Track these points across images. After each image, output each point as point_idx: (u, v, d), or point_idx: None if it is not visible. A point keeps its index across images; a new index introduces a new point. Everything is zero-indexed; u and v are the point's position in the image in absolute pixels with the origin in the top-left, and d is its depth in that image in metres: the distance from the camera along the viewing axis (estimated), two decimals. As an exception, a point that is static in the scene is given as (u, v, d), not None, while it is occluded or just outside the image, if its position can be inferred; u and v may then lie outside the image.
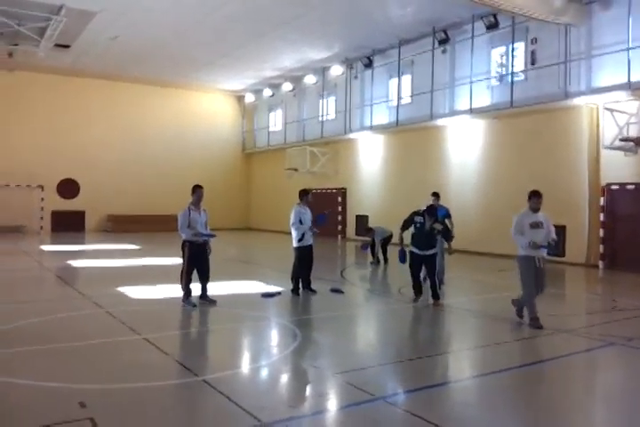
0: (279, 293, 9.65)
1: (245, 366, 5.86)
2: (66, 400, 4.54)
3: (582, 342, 6.81)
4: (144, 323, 7.47)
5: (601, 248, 14.25)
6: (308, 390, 5.06)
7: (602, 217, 14.29)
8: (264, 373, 5.57)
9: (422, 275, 9.28)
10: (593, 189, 14.51)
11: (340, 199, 23.09)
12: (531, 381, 5.43)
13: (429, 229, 8.75)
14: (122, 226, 25.61)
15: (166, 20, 18.09)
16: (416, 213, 8.94)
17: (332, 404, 4.71)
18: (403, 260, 9.31)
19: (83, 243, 21.30)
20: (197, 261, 8.62)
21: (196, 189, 8.68)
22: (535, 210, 7.33)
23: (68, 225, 25.08)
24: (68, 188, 25.41)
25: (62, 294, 9.86)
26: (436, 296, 8.82)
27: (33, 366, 5.47)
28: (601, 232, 14.27)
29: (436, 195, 11.24)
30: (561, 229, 15.37)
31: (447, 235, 9.37)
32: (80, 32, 19.28)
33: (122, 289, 9.98)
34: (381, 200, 21.28)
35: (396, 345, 6.81)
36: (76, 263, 14.04)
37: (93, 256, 15.72)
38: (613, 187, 14.03)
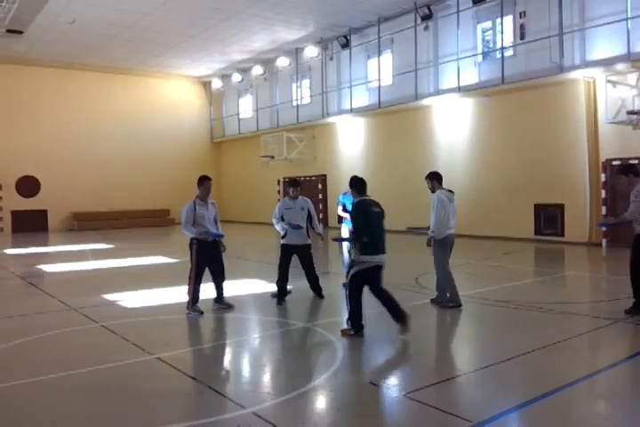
0: (289, 291, 8.75)
1: (295, 389, 4.67)
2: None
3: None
4: (150, 338, 6.46)
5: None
6: (389, 420, 4.21)
7: (603, 194, 13.86)
8: (319, 397, 4.61)
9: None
10: (593, 165, 14.05)
11: (320, 186, 22.20)
12: None
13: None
14: (88, 224, 24.20)
15: (128, 0, 16.70)
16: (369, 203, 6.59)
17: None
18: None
19: (49, 244, 19.83)
20: (209, 262, 7.63)
21: (204, 181, 7.58)
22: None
23: (30, 225, 23.46)
24: (28, 186, 23.67)
25: (43, 305, 8.65)
26: None
27: (42, 409, 4.42)
28: (603, 209, 13.84)
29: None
30: (559, 208, 15.00)
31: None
32: (34, 16, 17.69)
33: (110, 297, 8.92)
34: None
35: (452, 348, 6.03)
36: (47, 268, 12.80)
37: (65, 259, 14.34)
38: (615, 162, 13.57)
